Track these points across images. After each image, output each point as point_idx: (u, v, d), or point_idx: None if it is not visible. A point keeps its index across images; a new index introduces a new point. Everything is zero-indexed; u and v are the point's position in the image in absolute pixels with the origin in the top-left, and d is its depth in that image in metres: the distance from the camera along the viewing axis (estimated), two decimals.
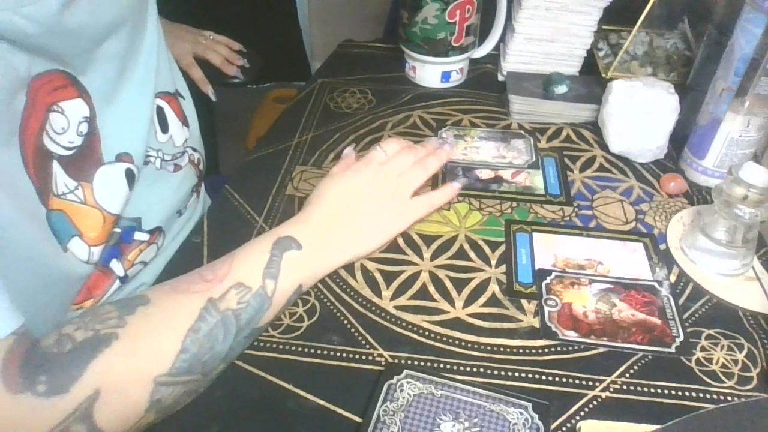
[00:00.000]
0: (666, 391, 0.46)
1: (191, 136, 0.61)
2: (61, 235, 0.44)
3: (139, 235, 0.54)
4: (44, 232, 0.42)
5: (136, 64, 0.51)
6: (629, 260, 0.58)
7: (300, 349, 0.49)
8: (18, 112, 0.39)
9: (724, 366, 0.48)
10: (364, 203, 0.55)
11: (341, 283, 0.55)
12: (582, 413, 0.45)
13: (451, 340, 0.50)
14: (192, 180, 0.62)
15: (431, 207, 0.60)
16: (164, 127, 0.56)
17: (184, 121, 0.60)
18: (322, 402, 0.45)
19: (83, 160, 0.46)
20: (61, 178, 0.44)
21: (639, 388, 0.47)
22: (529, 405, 0.44)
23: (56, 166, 0.43)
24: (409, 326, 0.51)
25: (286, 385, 0.46)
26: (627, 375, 0.48)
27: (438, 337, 0.50)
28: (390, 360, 0.48)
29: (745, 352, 0.50)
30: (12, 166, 0.39)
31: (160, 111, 0.55)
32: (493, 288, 0.55)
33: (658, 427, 0.41)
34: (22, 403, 0.34)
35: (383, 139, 0.61)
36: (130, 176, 0.50)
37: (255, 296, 0.45)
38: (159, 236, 0.57)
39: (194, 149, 0.62)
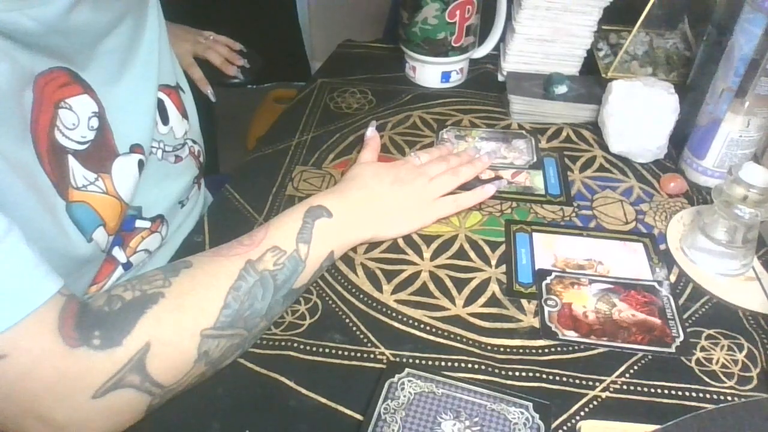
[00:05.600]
0: (666, 391, 0.47)
1: (191, 128, 0.62)
2: (87, 226, 0.45)
3: (140, 223, 0.55)
4: (64, 224, 0.43)
5: (136, 57, 0.52)
6: (629, 260, 0.58)
7: (302, 346, 0.49)
8: (27, 108, 0.40)
9: (724, 366, 0.49)
10: (395, 194, 0.60)
11: (343, 281, 0.55)
12: (582, 413, 0.45)
13: (452, 336, 0.50)
14: (193, 171, 0.62)
15: (457, 207, 0.63)
16: (165, 119, 0.57)
17: (184, 114, 0.60)
18: (323, 400, 0.45)
19: (99, 153, 0.47)
20: (78, 172, 0.45)
21: (639, 388, 0.47)
22: (530, 405, 0.44)
23: (72, 161, 0.44)
24: (410, 321, 0.51)
25: (287, 382, 0.46)
26: (627, 375, 0.48)
27: (439, 332, 0.50)
28: (391, 358, 0.48)
29: (745, 352, 0.50)
30: (28, 161, 0.40)
31: (160, 103, 0.56)
32: (493, 288, 0.55)
33: (658, 427, 0.41)
34: (81, 356, 0.37)
35: (413, 151, 0.67)
36: (141, 166, 0.52)
37: (290, 259, 0.48)
38: (161, 225, 0.57)
39: (194, 141, 0.63)
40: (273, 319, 0.50)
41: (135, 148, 0.51)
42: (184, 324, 0.41)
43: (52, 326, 0.36)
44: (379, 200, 0.58)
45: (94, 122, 0.46)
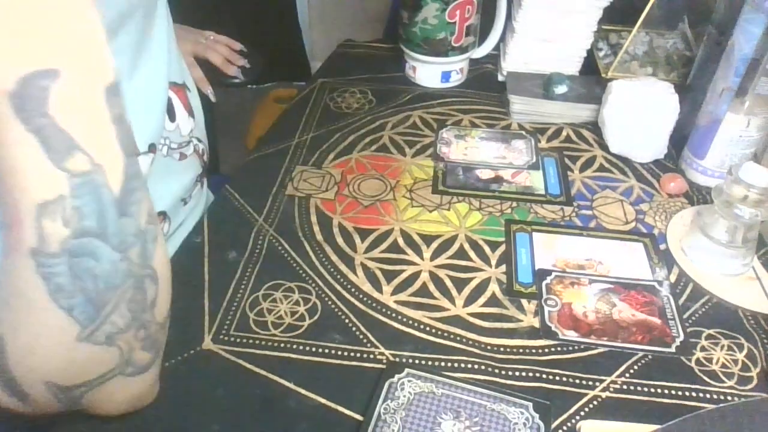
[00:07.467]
0: (666, 391, 0.47)
1: (197, 126, 0.62)
2: None
3: None
4: None
5: (147, 54, 0.52)
6: (629, 260, 0.58)
7: (301, 347, 0.49)
8: None
9: (724, 366, 0.49)
10: None
11: (342, 281, 0.55)
12: (582, 413, 0.45)
13: (452, 336, 0.50)
14: (196, 170, 0.63)
15: None
16: (172, 116, 0.57)
17: (191, 112, 0.60)
18: (323, 400, 0.45)
19: None
20: None
21: (639, 388, 0.47)
22: (530, 405, 0.44)
23: None
24: (410, 321, 0.51)
25: (287, 383, 0.46)
26: (627, 375, 0.48)
27: (439, 332, 0.50)
28: (391, 358, 0.48)
29: (745, 352, 0.50)
30: None
31: (168, 100, 0.56)
32: (493, 288, 0.55)
33: (658, 427, 0.41)
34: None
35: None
36: (151, 165, 0.51)
37: (78, 191, 0.31)
38: (164, 221, 0.58)
39: (199, 140, 0.63)
40: (150, 241, 0.36)
41: (152, 149, 0.51)
42: (50, 342, 0.33)
43: None
44: None
45: None
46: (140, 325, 0.36)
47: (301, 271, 0.56)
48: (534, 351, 0.49)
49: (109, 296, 0.34)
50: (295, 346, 0.49)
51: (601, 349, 0.49)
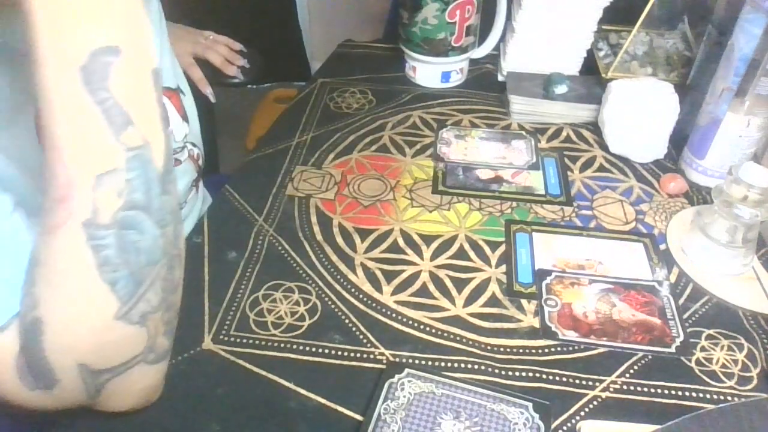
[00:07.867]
0: (666, 391, 0.47)
1: (191, 131, 0.62)
2: None
3: None
4: None
5: None
6: (629, 260, 0.58)
7: (301, 347, 0.49)
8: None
9: (724, 366, 0.49)
10: None
11: (342, 281, 0.55)
12: (582, 413, 0.45)
13: (451, 336, 0.50)
14: (191, 175, 0.62)
15: None
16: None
17: (184, 117, 0.60)
18: (323, 400, 0.45)
19: None
20: None
21: (639, 388, 0.47)
22: (530, 405, 0.44)
23: None
24: (410, 322, 0.51)
25: (287, 383, 0.46)
26: (627, 375, 0.48)
27: (439, 332, 0.50)
28: (391, 359, 0.48)
29: (745, 352, 0.50)
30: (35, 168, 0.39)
31: None
32: (493, 288, 0.55)
33: (658, 427, 0.41)
34: (34, 396, 0.36)
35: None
36: None
37: (132, 164, 0.33)
38: None
39: (193, 144, 0.62)
40: (178, 219, 0.37)
41: None
42: (84, 318, 0.34)
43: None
44: None
45: None
46: (167, 307, 0.37)
47: (301, 271, 0.56)
48: (534, 351, 0.49)
49: (148, 272, 0.35)
50: (295, 346, 0.49)
51: (601, 350, 0.49)
